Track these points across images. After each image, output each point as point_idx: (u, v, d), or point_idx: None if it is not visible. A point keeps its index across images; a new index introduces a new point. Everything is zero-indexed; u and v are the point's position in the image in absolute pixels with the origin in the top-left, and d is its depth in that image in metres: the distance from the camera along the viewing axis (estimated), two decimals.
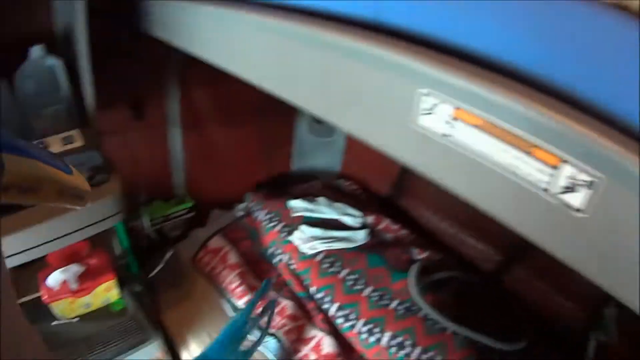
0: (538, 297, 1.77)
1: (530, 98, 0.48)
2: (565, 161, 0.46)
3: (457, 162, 0.58)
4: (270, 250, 1.86)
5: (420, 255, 1.79)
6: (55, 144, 1.26)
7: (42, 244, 1.21)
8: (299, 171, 2.28)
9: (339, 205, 1.95)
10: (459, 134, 0.56)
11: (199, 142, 1.76)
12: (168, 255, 1.77)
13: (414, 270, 1.66)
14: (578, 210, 0.47)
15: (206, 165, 1.87)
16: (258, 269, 1.83)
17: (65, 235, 1.26)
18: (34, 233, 1.17)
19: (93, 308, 1.49)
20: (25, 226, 1.16)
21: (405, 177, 2.07)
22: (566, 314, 1.71)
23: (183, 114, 1.73)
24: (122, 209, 1.36)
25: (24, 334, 0.32)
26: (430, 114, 0.58)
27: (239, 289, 1.70)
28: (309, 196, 1.98)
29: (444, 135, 0.58)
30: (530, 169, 0.50)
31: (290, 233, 1.82)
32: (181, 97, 1.71)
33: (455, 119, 0.55)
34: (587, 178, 0.45)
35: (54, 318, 1.45)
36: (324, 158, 2.29)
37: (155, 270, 1.73)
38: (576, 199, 0.47)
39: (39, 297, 1.38)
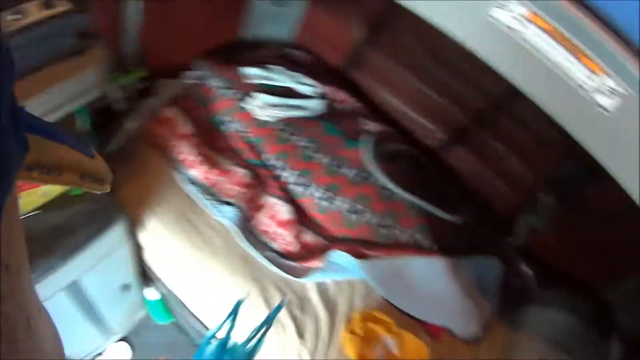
0: (477, 178, 1.86)
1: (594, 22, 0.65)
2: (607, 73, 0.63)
3: (520, 56, 0.75)
4: (221, 118, 1.80)
5: (371, 127, 1.81)
6: (34, 10, 1.10)
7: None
8: (249, 39, 2.15)
9: (293, 74, 1.90)
10: (529, 33, 0.72)
11: (153, 8, 1.59)
12: (129, 126, 1.65)
13: (370, 140, 1.68)
14: (607, 110, 0.62)
15: (158, 33, 1.70)
16: (209, 137, 1.77)
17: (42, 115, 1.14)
18: None
19: (52, 196, 1.40)
20: None
21: (361, 51, 2.02)
22: (503, 197, 1.81)
23: None
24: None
25: None
26: (501, 8, 0.71)
27: (192, 159, 1.65)
28: (262, 64, 1.89)
29: (511, 28, 0.73)
30: (579, 73, 0.65)
31: (244, 100, 1.76)
32: None
33: (529, 20, 0.71)
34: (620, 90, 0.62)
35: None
36: (275, 27, 2.17)
37: (113, 144, 1.61)
38: (608, 102, 0.62)
39: None
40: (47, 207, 1.38)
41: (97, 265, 1.46)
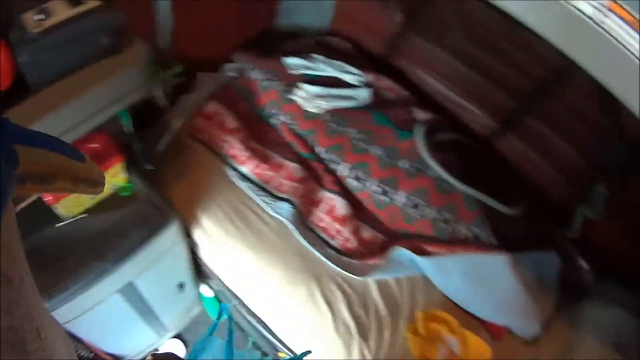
0: (530, 167, 1.80)
1: None
2: None
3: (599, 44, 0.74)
4: (269, 111, 1.75)
5: (422, 115, 1.74)
6: (60, 9, 1.02)
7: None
8: (285, 27, 2.08)
9: (336, 62, 1.83)
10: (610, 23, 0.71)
11: (185, 2, 1.52)
12: (175, 124, 1.60)
13: (420, 130, 1.62)
14: None
15: (192, 25, 1.64)
16: (257, 130, 1.73)
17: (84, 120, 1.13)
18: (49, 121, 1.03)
19: (100, 198, 1.36)
20: (40, 114, 1.02)
21: (401, 36, 1.95)
22: (556, 187, 1.75)
23: None
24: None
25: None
26: None
27: (242, 154, 1.62)
28: (303, 54, 1.82)
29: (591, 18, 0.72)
30: None
31: (289, 92, 1.70)
32: None
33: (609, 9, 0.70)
34: None
35: (59, 219, 1.31)
36: (311, 14, 2.09)
37: (162, 143, 1.57)
38: None
39: (38, 200, 1.22)
40: (96, 209, 1.34)
41: (151, 266, 1.43)
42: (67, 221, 1.31)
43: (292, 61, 1.79)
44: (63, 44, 1.01)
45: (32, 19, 0.94)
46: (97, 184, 0.41)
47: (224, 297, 1.72)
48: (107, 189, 1.36)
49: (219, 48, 1.86)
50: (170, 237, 1.43)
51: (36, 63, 0.93)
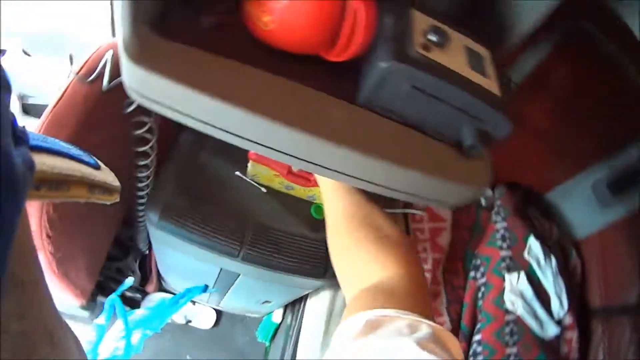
0: None
1: None
2: None
3: None
4: (477, 262, 1.64)
5: None
6: (458, 51, 0.77)
7: None
8: None
9: (559, 281, 1.70)
10: None
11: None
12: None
13: None
14: None
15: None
16: (452, 265, 1.62)
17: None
18: None
19: (293, 194, 1.24)
20: None
21: None
22: None
23: None
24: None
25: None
26: None
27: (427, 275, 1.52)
28: (549, 245, 1.69)
29: None
30: None
31: (508, 269, 1.59)
32: None
33: None
34: None
35: (242, 170, 1.20)
36: None
37: None
38: None
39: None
40: (275, 198, 1.26)
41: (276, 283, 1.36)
42: (246, 178, 1.22)
43: (533, 245, 1.66)
44: (429, 90, 0.74)
45: (423, 32, 0.75)
46: (112, 191, 0.42)
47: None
48: (306, 193, 1.25)
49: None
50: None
51: (384, 83, 0.73)
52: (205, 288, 1.55)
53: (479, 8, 0.94)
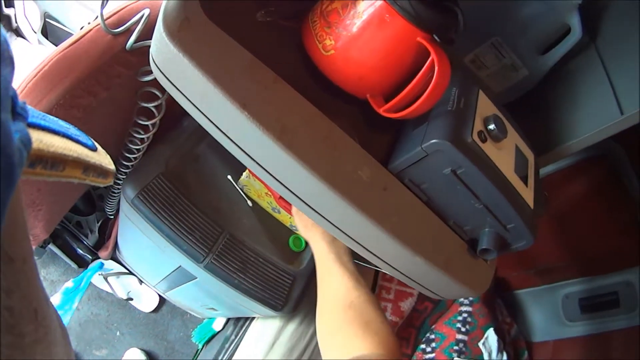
0: None
1: None
2: None
3: None
4: (431, 337, 1.57)
5: None
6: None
7: None
8: None
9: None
10: None
11: None
12: None
13: None
14: None
15: None
16: (405, 332, 1.59)
17: None
18: None
19: (278, 217, 1.15)
20: None
21: None
22: None
23: None
24: None
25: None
26: None
27: None
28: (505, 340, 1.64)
29: None
30: None
31: (459, 354, 1.55)
32: None
33: None
34: None
35: (235, 176, 1.10)
36: None
37: None
38: None
39: None
40: (258, 216, 1.15)
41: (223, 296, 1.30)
42: (236, 185, 1.11)
43: (491, 338, 1.60)
44: (467, 181, 0.70)
45: (484, 120, 0.70)
46: (106, 174, 0.41)
47: None
48: (289, 220, 1.17)
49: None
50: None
51: (426, 159, 0.66)
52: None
53: (540, 111, 0.88)
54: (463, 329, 1.57)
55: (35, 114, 0.32)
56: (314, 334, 1.36)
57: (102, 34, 0.78)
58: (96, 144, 0.41)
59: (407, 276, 0.72)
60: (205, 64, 0.57)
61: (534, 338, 1.71)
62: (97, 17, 0.77)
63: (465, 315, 1.59)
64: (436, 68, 0.58)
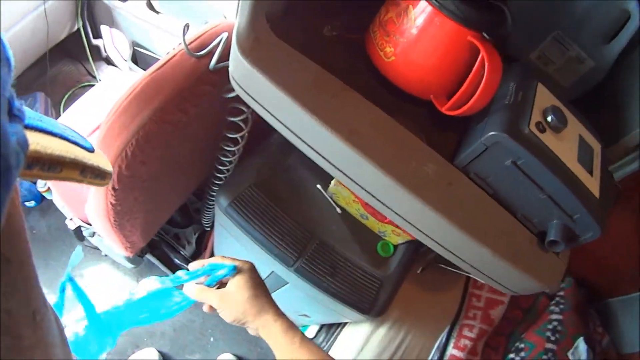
0: None
1: None
2: None
3: None
4: (520, 345, 1.56)
5: None
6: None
7: None
8: None
9: None
10: None
11: None
12: None
13: None
14: None
15: None
16: (495, 341, 1.57)
17: None
18: None
19: (366, 224, 1.21)
20: None
21: None
22: None
23: None
24: None
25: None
26: None
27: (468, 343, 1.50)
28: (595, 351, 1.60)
29: None
30: None
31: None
32: None
33: None
34: None
35: (324, 185, 1.17)
36: None
37: None
38: None
39: None
40: (348, 225, 1.22)
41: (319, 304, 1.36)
42: (327, 194, 1.19)
43: (581, 348, 1.57)
44: (529, 172, 0.72)
45: (542, 111, 0.74)
46: (104, 175, 0.41)
47: None
48: (378, 227, 1.22)
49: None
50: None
51: (487, 152, 0.71)
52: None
53: (606, 100, 0.90)
54: (552, 338, 1.55)
55: (32, 115, 0.32)
56: (405, 337, 1.41)
57: (186, 57, 0.90)
58: (94, 146, 0.41)
59: (476, 269, 0.76)
60: (277, 77, 0.67)
61: (624, 349, 1.66)
62: (180, 43, 0.90)
63: (555, 323, 1.58)
64: (486, 64, 0.64)
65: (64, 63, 2.51)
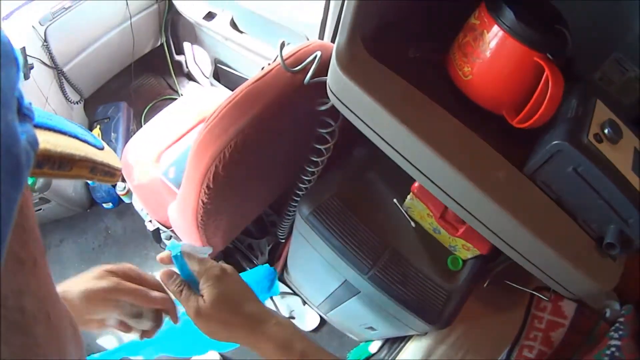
0: None
1: None
2: None
3: None
4: None
5: None
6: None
7: None
8: None
9: None
10: None
11: None
12: None
13: None
14: None
15: None
16: None
17: None
18: None
19: (438, 238, 1.30)
20: None
21: None
22: None
23: None
24: None
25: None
26: None
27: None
28: None
29: None
30: None
31: None
32: None
33: None
34: None
35: (400, 200, 1.28)
36: None
37: None
38: None
39: None
40: (421, 238, 1.32)
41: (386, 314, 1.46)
42: (403, 209, 1.29)
43: None
44: (587, 178, 0.81)
45: (600, 124, 0.84)
46: (113, 173, 0.42)
47: None
48: (449, 242, 1.31)
49: None
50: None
51: (551, 160, 0.82)
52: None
53: None
54: None
55: (41, 114, 0.33)
56: (465, 354, 1.47)
57: (282, 71, 1.03)
58: (103, 143, 0.42)
59: (539, 268, 0.86)
60: (371, 90, 0.80)
61: None
62: (276, 57, 1.02)
63: (613, 349, 1.61)
64: (550, 81, 0.76)
65: (147, 76, 2.71)
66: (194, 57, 2.58)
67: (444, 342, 1.47)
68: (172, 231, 1.63)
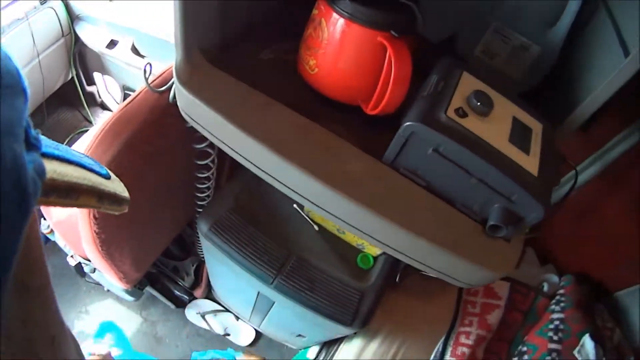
0: None
1: None
2: None
3: None
4: (523, 349, 1.54)
5: None
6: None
7: None
8: None
9: None
10: None
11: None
12: None
13: None
14: None
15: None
16: (497, 346, 1.54)
17: None
18: None
19: (344, 238, 1.25)
20: None
21: None
22: None
23: None
24: None
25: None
26: None
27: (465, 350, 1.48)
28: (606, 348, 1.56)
29: None
30: None
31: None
32: None
33: None
34: None
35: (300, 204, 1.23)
36: None
37: None
38: None
39: None
40: (327, 239, 1.27)
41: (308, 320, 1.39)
42: (302, 213, 1.25)
43: (588, 345, 1.54)
44: (451, 157, 0.72)
45: (465, 97, 0.75)
46: (121, 202, 0.41)
47: None
48: (355, 239, 1.26)
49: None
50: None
51: (407, 144, 0.73)
52: None
53: (563, 85, 0.91)
54: (555, 338, 1.52)
55: (48, 143, 0.33)
56: (398, 349, 1.41)
57: (150, 93, 0.98)
58: (110, 172, 0.42)
59: (422, 263, 0.78)
60: (210, 100, 0.74)
61: (639, 342, 1.62)
62: (145, 80, 0.98)
63: (557, 322, 1.55)
64: (393, 59, 0.67)
65: (62, 111, 2.64)
66: (106, 86, 2.54)
67: (373, 341, 1.42)
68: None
